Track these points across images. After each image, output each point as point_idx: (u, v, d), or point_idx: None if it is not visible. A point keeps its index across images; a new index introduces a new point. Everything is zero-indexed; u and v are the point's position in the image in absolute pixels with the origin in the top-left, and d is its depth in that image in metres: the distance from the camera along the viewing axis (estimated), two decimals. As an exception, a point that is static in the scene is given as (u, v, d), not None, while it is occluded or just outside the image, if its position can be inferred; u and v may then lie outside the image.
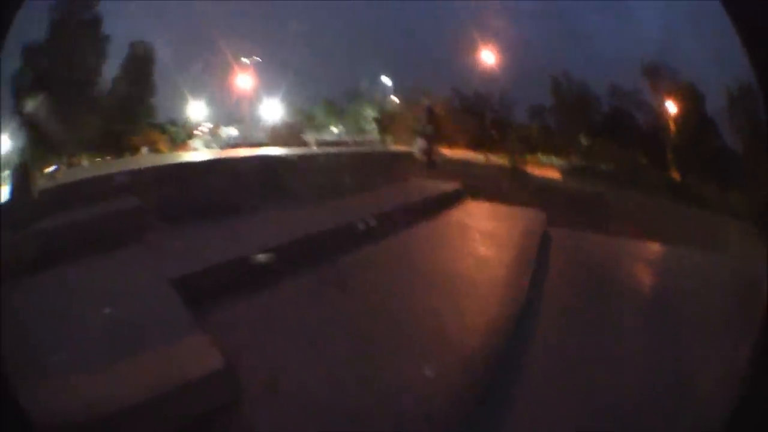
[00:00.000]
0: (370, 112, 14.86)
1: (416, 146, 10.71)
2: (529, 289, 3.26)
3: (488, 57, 13.88)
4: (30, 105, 8.62)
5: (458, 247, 4.17)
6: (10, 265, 2.57)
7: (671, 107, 10.75)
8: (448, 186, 6.39)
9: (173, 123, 10.60)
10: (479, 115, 15.38)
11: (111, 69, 9.94)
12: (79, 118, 8.50)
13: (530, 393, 2.22)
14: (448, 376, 2.16)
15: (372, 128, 14.40)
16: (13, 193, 4.48)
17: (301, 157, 5.60)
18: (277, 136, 8.48)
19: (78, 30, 8.54)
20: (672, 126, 10.85)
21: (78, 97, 8.31)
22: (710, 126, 10.70)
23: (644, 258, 4.96)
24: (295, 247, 3.55)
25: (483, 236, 4.56)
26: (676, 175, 10.46)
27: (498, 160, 13.39)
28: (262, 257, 3.33)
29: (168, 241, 3.69)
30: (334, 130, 13.73)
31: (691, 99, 10.48)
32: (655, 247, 5.42)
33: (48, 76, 8.05)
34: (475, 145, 14.71)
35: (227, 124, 11.72)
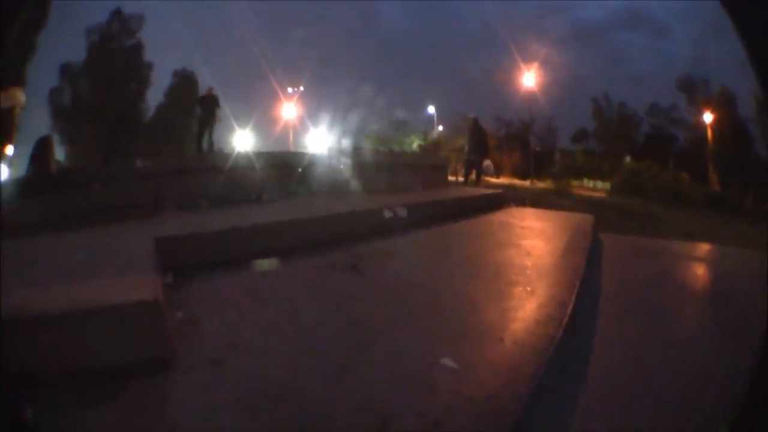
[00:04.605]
0: (416, 140, 14.84)
1: (485, 165, 10.39)
2: (583, 278, 2.75)
3: (529, 81, 13.70)
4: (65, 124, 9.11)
5: (498, 240, 3.71)
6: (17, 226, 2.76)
7: (707, 118, 10.27)
8: (490, 190, 6.00)
9: (220, 152, 10.94)
10: (524, 141, 15.00)
11: (156, 96, 10.53)
12: (119, 141, 8.87)
13: (589, 392, 1.77)
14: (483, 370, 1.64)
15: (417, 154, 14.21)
16: (32, 163, 4.53)
17: (334, 155, 5.40)
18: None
19: (119, 56, 9.19)
20: (710, 136, 10.29)
21: (118, 123, 8.76)
22: (743, 132, 10.18)
23: (695, 255, 4.45)
24: (306, 226, 3.21)
25: (526, 230, 4.03)
26: (716, 187, 9.88)
27: (543, 185, 12.82)
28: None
29: (179, 219, 3.48)
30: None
31: (726, 106, 10.01)
32: (704, 246, 5.09)
33: (87, 98, 8.60)
34: (521, 172, 14.25)
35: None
